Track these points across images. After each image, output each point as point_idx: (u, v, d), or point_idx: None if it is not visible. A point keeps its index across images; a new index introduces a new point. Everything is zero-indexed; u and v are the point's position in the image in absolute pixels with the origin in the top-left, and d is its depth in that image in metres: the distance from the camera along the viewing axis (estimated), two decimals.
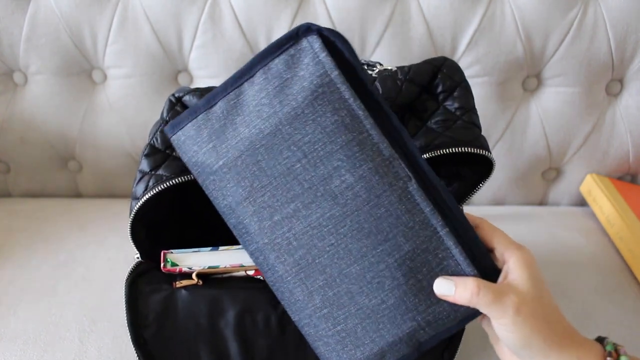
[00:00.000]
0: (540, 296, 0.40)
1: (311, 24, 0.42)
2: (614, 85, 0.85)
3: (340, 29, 0.81)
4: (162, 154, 0.52)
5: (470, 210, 0.87)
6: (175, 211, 0.60)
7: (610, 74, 0.83)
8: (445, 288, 0.42)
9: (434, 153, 0.53)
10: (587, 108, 0.85)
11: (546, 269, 0.71)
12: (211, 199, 0.46)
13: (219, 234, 0.66)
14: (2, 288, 0.67)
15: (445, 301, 0.42)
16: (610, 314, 0.63)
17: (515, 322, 0.39)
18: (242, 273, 0.52)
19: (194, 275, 0.50)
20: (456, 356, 0.51)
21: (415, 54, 0.82)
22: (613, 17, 0.80)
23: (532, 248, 0.75)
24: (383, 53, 0.82)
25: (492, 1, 0.80)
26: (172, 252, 0.52)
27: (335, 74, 0.41)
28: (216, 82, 0.84)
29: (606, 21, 0.80)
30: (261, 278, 0.52)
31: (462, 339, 0.51)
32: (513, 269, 0.41)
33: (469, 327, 0.51)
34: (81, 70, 0.85)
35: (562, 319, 0.41)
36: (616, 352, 0.40)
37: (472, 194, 0.59)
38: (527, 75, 0.85)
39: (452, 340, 0.51)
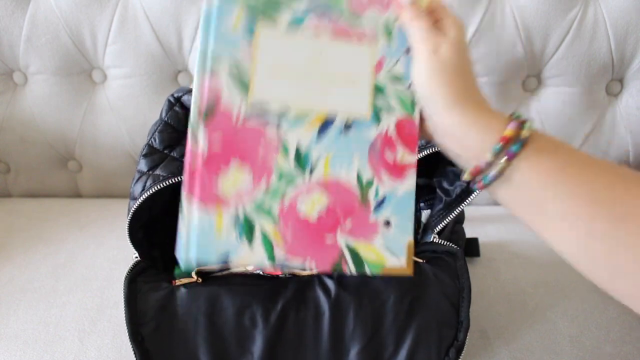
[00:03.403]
0: (461, 56, 0.40)
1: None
2: (614, 85, 0.85)
3: None
4: (160, 154, 0.52)
5: (471, 210, 0.87)
6: (173, 212, 0.60)
7: (610, 74, 0.83)
8: None
9: (434, 149, 0.53)
10: (587, 108, 0.85)
11: (546, 269, 0.71)
12: None
13: None
14: (2, 288, 0.67)
15: None
16: (610, 314, 0.63)
17: (430, 61, 0.40)
18: (241, 268, 0.53)
19: (193, 273, 0.51)
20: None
21: None
22: (613, 17, 0.79)
23: (532, 248, 0.76)
24: None
25: (492, 1, 0.80)
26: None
27: None
28: None
29: (606, 21, 0.80)
30: (261, 273, 0.52)
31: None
32: (448, 26, 0.41)
33: (470, 327, 0.51)
34: (81, 70, 0.85)
35: (476, 86, 0.42)
36: (521, 123, 0.39)
37: (473, 193, 0.59)
38: (527, 75, 0.85)
39: (458, 337, 0.51)
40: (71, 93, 0.86)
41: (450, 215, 0.56)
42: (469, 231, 0.68)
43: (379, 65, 0.42)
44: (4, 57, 0.84)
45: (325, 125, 0.41)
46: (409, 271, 0.43)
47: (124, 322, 0.50)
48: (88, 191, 0.94)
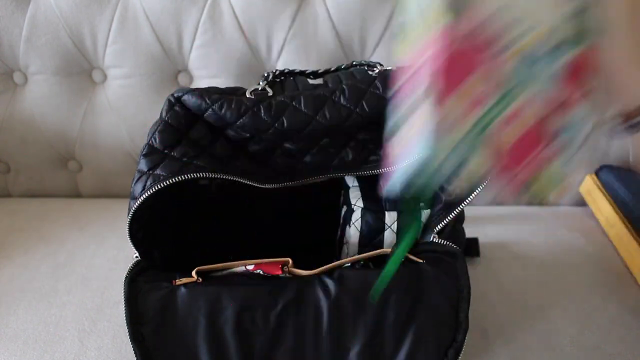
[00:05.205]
0: None
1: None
2: None
3: (340, 29, 0.81)
4: (160, 153, 0.52)
5: (471, 210, 0.87)
6: (173, 211, 0.60)
7: None
8: None
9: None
10: None
11: (546, 269, 0.71)
12: None
13: (215, 233, 0.66)
14: (2, 288, 0.67)
15: None
16: (610, 314, 0.63)
17: None
18: (241, 268, 0.53)
19: (193, 273, 0.51)
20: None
21: None
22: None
23: (532, 248, 0.76)
24: (383, 53, 0.82)
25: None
26: None
27: None
28: (216, 82, 0.84)
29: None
30: (261, 273, 0.52)
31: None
32: None
33: (470, 327, 0.51)
34: (81, 70, 0.85)
35: None
36: None
37: (473, 194, 0.59)
38: None
39: (457, 338, 0.51)
40: (71, 93, 0.86)
41: (450, 215, 0.56)
42: (469, 231, 0.68)
43: None
44: (4, 57, 0.84)
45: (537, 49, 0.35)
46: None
47: (124, 322, 0.50)
48: (88, 191, 0.94)
